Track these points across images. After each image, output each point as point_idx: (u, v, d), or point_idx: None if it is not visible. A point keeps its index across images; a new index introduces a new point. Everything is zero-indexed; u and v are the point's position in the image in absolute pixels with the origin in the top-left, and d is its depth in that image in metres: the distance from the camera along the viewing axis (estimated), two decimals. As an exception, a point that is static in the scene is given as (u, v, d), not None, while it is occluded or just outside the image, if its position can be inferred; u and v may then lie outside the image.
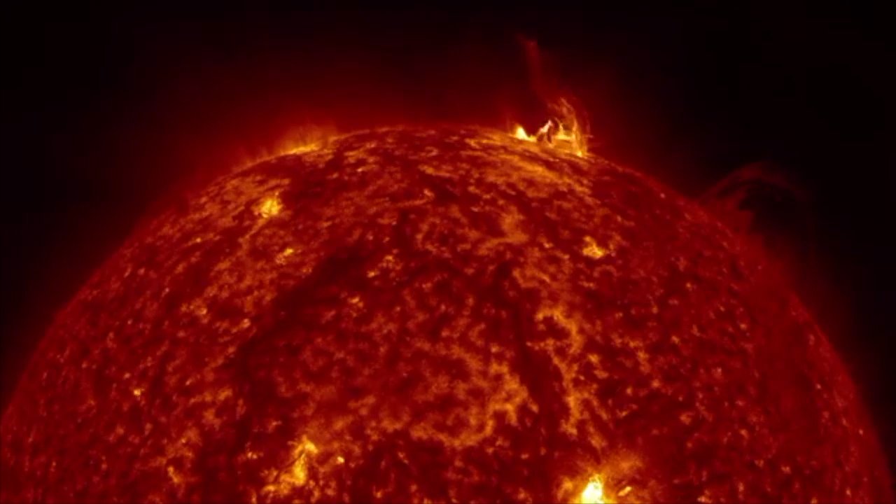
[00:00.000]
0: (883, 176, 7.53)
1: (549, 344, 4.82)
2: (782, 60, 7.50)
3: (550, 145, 6.05)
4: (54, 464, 5.13)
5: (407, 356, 4.75)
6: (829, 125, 7.58)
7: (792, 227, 6.17)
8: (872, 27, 7.51)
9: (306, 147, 6.02)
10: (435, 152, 5.54)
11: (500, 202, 5.22)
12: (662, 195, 5.79)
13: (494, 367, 4.74)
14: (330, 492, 4.61)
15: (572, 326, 4.87)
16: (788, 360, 5.35)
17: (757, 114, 7.48)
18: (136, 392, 4.98)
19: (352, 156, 5.58)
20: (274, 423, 4.72)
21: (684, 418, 4.86)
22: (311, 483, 4.64)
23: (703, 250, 5.45)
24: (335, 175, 5.45)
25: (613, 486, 4.69)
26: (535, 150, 5.81)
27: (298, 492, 4.64)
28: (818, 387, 5.44)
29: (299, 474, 4.66)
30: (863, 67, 7.52)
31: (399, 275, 4.93)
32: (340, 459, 4.64)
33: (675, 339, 4.99)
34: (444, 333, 4.78)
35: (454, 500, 4.56)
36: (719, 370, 5.02)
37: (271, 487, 4.66)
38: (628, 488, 4.70)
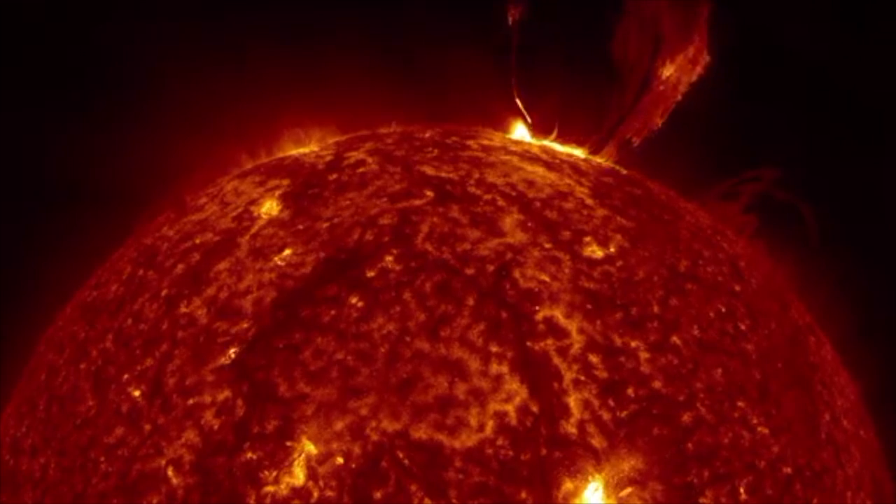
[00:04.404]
0: (883, 180, 7.54)
1: (550, 344, 4.82)
2: (784, 65, 7.51)
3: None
4: (53, 465, 5.11)
5: (407, 356, 4.74)
6: (830, 130, 7.59)
7: (794, 231, 6.17)
8: (873, 34, 7.52)
9: (306, 148, 6.02)
10: (435, 153, 5.54)
11: (501, 202, 5.22)
12: (663, 196, 5.79)
13: (494, 367, 4.73)
14: (330, 492, 4.60)
15: (572, 326, 4.86)
16: (789, 361, 5.34)
17: (759, 118, 7.49)
18: (135, 393, 4.97)
19: (352, 156, 5.58)
20: (273, 424, 4.71)
21: (685, 419, 4.85)
22: (311, 483, 4.63)
23: (704, 251, 5.44)
24: (335, 176, 5.44)
25: (614, 486, 4.68)
26: (535, 150, 5.81)
27: (298, 492, 4.63)
28: (819, 388, 5.44)
29: (299, 475, 4.65)
30: (864, 72, 7.53)
31: (399, 275, 4.92)
32: (340, 460, 4.63)
33: (675, 339, 4.98)
34: (444, 333, 4.78)
35: (454, 501, 4.55)
36: (720, 371, 5.02)
37: (271, 488, 4.65)
38: (629, 489, 4.69)
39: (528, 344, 4.80)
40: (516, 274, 4.95)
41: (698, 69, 6.19)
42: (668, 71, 6.20)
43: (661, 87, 6.22)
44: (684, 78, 6.18)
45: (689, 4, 6.18)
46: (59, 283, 5.97)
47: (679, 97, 6.22)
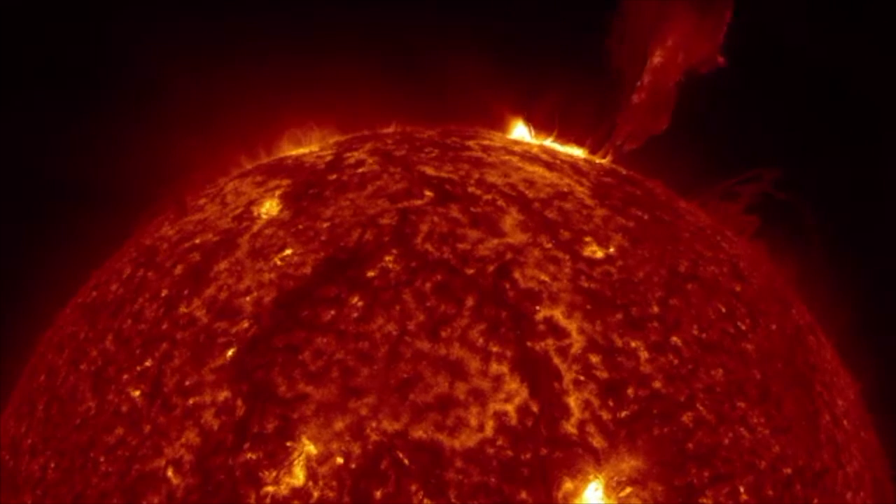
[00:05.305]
0: (883, 179, 7.54)
1: (550, 344, 4.81)
2: (784, 65, 7.51)
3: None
4: (53, 465, 5.11)
5: (407, 356, 4.73)
6: (830, 129, 7.59)
7: (794, 231, 6.17)
8: (871, 31, 7.52)
9: (306, 148, 6.01)
10: (435, 153, 5.54)
11: (501, 202, 5.21)
12: (663, 196, 5.79)
13: (494, 367, 4.73)
14: (329, 492, 4.60)
15: (573, 326, 4.86)
16: (790, 361, 5.33)
17: (759, 118, 7.48)
18: (135, 393, 4.97)
19: (352, 156, 5.57)
20: (273, 424, 4.70)
21: (685, 419, 4.85)
22: (311, 483, 4.62)
23: (704, 251, 5.44)
24: (335, 176, 5.44)
25: (614, 486, 4.68)
26: (535, 150, 5.81)
27: (298, 492, 4.62)
28: (819, 388, 5.43)
29: (299, 475, 4.64)
30: (863, 70, 7.53)
31: (399, 275, 4.91)
32: (340, 460, 4.62)
33: (675, 339, 4.97)
34: (444, 333, 4.77)
35: (454, 501, 4.55)
36: (720, 371, 5.01)
37: (270, 488, 4.64)
38: (629, 489, 4.69)
39: (529, 344, 4.79)
40: (516, 274, 4.94)
41: (699, 59, 6.18)
42: (658, 59, 6.20)
43: (658, 79, 6.21)
44: (678, 67, 6.17)
45: (706, 4, 6.18)
46: (59, 283, 5.97)
47: (674, 84, 6.21)
